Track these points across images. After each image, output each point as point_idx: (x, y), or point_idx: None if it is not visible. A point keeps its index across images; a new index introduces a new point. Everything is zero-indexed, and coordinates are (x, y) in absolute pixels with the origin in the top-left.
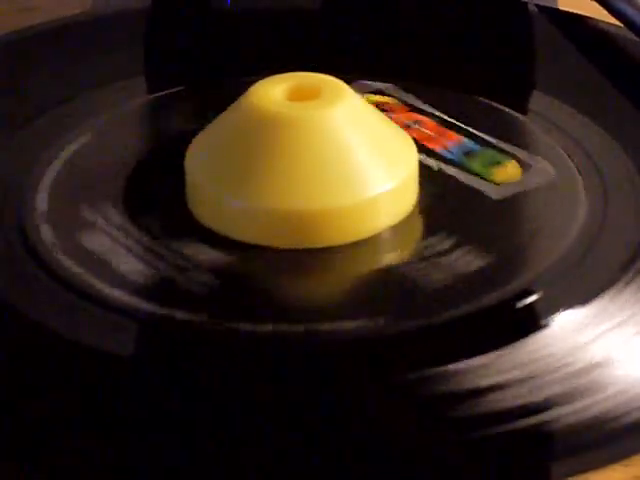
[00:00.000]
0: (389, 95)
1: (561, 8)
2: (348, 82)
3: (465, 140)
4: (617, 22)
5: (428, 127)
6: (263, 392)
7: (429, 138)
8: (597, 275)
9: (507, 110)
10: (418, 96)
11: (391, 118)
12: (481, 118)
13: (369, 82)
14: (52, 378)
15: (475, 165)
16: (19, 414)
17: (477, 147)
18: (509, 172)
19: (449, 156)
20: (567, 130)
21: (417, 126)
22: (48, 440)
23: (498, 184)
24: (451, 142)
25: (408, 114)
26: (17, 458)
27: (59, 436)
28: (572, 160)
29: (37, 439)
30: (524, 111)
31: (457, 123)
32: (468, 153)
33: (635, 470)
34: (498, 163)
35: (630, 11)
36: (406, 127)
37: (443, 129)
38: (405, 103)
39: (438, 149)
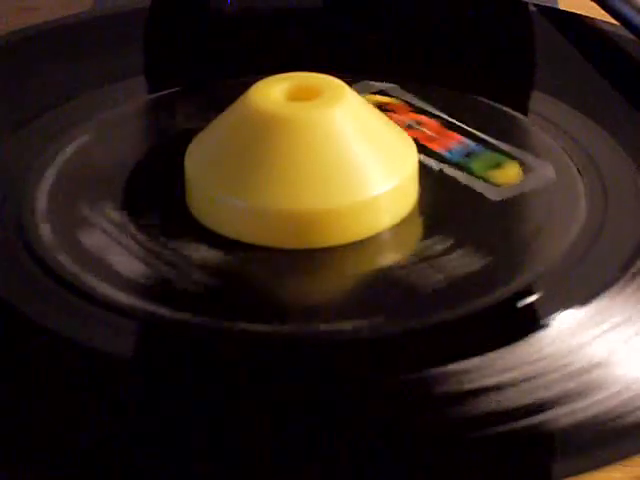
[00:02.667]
0: (391, 96)
1: (561, 8)
2: (350, 83)
3: (467, 141)
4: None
5: (430, 128)
6: (263, 392)
7: (431, 138)
8: (597, 275)
9: (507, 110)
10: (420, 97)
11: (393, 118)
12: (482, 118)
13: (372, 82)
14: (50, 377)
15: (476, 166)
16: (18, 414)
17: (478, 148)
18: (509, 174)
19: (450, 157)
20: (567, 130)
21: (419, 127)
22: (48, 440)
23: (498, 185)
24: (452, 143)
25: (410, 115)
26: (17, 458)
27: (59, 436)
28: (572, 160)
29: (37, 439)
30: (524, 111)
31: (459, 124)
32: (469, 154)
33: (635, 471)
34: (498, 165)
35: (628, 11)
36: (408, 127)
37: (445, 130)
38: (407, 103)
39: (439, 150)
